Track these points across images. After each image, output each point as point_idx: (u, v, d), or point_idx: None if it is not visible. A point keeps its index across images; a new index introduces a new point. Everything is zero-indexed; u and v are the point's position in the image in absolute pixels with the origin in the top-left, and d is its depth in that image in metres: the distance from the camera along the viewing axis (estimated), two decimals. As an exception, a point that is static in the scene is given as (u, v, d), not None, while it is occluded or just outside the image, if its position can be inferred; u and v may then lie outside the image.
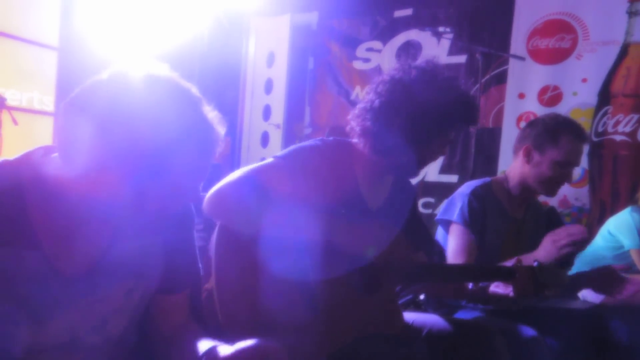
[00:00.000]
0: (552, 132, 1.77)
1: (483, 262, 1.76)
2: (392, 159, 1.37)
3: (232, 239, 1.21)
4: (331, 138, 1.41)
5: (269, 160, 1.31)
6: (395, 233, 1.39)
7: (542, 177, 1.78)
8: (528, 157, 1.80)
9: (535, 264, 1.47)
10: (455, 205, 1.78)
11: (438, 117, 1.31)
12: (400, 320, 1.39)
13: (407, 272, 1.36)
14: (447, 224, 1.81)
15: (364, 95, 1.41)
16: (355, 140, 1.41)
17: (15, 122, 3.21)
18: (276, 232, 1.20)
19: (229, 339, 1.11)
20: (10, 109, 3.24)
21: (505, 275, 1.43)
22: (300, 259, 1.23)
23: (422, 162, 1.41)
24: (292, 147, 1.34)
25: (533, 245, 1.93)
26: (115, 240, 0.95)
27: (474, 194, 1.76)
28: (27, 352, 0.88)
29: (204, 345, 0.95)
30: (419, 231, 1.58)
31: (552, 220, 2.95)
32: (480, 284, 1.51)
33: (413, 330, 1.43)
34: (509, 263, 1.48)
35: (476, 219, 1.73)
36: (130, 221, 0.95)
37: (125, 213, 0.91)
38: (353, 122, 1.39)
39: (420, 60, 1.37)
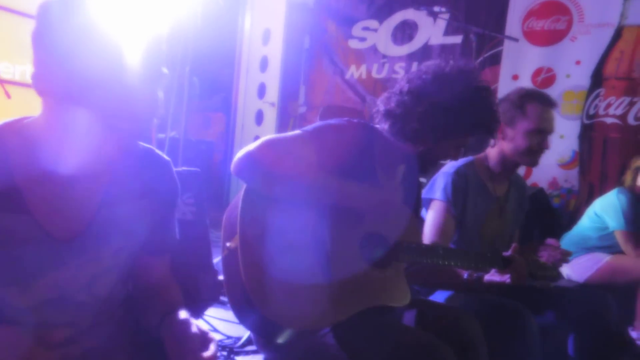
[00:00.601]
0: (518, 105, 1.81)
1: (464, 241, 1.80)
2: (409, 147, 1.42)
3: (258, 201, 1.26)
4: (355, 120, 1.45)
5: (297, 132, 1.36)
6: (409, 212, 1.46)
7: (519, 149, 1.81)
8: (502, 134, 1.84)
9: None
10: (438, 184, 1.80)
11: (457, 118, 1.36)
12: (407, 295, 1.42)
13: (415, 253, 1.41)
14: (429, 203, 1.85)
15: (399, 83, 1.45)
16: (377, 123, 1.46)
17: (8, 95, 3.19)
18: (299, 199, 1.26)
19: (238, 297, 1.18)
20: (3, 82, 3.22)
21: (501, 262, 1.49)
22: (320, 225, 1.29)
23: (435, 157, 1.45)
24: (318, 124, 1.40)
25: (514, 224, 1.98)
26: (104, 202, 0.97)
27: (458, 173, 1.79)
28: (16, 309, 0.91)
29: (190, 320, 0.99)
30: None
31: (540, 201, 3.00)
32: (476, 275, 1.54)
33: (419, 302, 1.48)
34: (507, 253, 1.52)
35: (458, 197, 1.76)
36: (120, 182, 0.98)
37: (113, 173, 0.96)
38: (380, 105, 1.44)
39: (464, 61, 1.41)
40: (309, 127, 1.38)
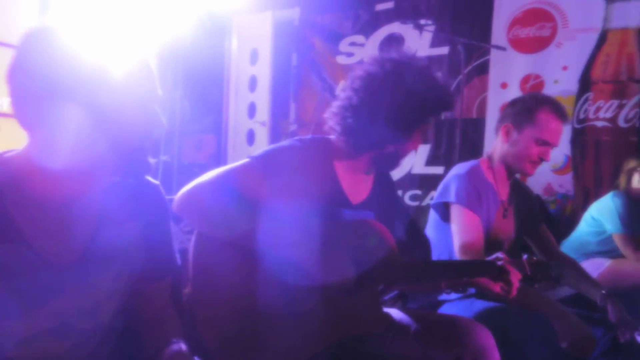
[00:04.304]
0: (530, 110, 1.78)
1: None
2: (374, 154, 1.37)
3: (209, 242, 1.20)
4: (309, 136, 1.39)
5: (244, 160, 1.29)
6: (383, 229, 1.38)
7: (519, 155, 1.79)
8: (507, 135, 1.81)
9: (524, 257, 1.47)
10: (451, 187, 1.77)
11: (417, 108, 1.31)
12: (384, 319, 1.37)
13: (390, 272, 1.35)
14: (443, 208, 1.80)
15: (339, 91, 1.39)
16: (334, 137, 1.40)
17: (-4, 127, 3.16)
18: (255, 234, 1.19)
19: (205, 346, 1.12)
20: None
21: (494, 273, 1.41)
22: (281, 259, 1.22)
23: (404, 153, 1.41)
24: (268, 148, 1.33)
25: (521, 227, 1.94)
26: (100, 226, 0.97)
27: (470, 175, 1.76)
28: (17, 341, 0.89)
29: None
30: (403, 223, 1.58)
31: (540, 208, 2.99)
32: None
33: (399, 328, 1.41)
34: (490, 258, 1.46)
35: (474, 198, 1.73)
36: (111, 206, 0.98)
37: (104, 197, 0.96)
38: (331, 120, 1.38)
39: (393, 52, 1.36)
40: (258, 153, 1.30)
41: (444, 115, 3.96)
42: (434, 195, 1.86)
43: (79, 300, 0.94)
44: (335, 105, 1.38)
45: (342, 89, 1.38)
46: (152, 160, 0.96)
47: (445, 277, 1.47)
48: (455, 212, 1.74)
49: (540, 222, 2.01)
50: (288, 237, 1.21)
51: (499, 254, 1.46)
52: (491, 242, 1.80)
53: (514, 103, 1.85)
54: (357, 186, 1.42)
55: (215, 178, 1.23)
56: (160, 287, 1.10)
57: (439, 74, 1.37)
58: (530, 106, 1.78)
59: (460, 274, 1.45)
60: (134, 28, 0.97)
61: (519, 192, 1.98)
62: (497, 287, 1.42)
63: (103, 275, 0.97)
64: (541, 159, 1.79)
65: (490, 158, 1.88)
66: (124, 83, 0.89)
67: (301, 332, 1.20)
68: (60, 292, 0.92)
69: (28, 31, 0.87)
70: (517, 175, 1.95)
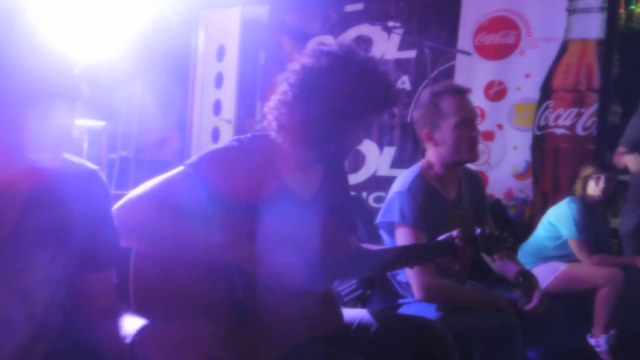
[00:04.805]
0: (433, 106, 1.78)
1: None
2: (314, 150, 1.31)
3: (145, 257, 1.15)
4: (248, 135, 1.33)
5: (179, 169, 1.23)
6: (330, 223, 1.35)
7: (453, 149, 1.76)
8: (431, 139, 1.79)
9: (478, 231, 1.49)
10: (394, 206, 1.74)
11: (355, 103, 1.24)
12: (339, 320, 1.33)
13: (352, 265, 1.34)
14: (389, 226, 1.78)
15: (277, 85, 1.33)
16: (273, 134, 1.33)
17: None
18: (194, 242, 1.15)
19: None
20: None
21: (448, 251, 1.44)
22: (225, 265, 1.18)
23: (346, 150, 1.36)
24: (203, 152, 1.26)
25: (475, 213, 1.92)
26: (28, 207, 0.92)
27: (411, 191, 1.73)
28: None
29: (131, 322, 0.95)
30: (360, 218, 1.54)
31: (497, 212, 3.05)
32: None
33: (359, 327, 1.38)
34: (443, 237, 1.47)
35: (419, 215, 1.71)
36: (42, 186, 0.93)
37: (33, 177, 0.91)
38: (269, 115, 1.31)
39: (335, 45, 1.29)
40: (193, 159, 1.24)
41: (400, 118, 3.99)
42: (380, 212, 1.83)
43: (8, 286, 0.89)
44: (272, 100, 1.32)
45: (279, 82, 1.32)
46: (112, 156, 0.92)
47: (407, 263, 1.49)
48: (401, 233, 1.72)
49: (485, 211, 2.01)
50: (234, 240, 1.17)
51: (453, 233, 1.47)
52: None
53: (417, 110, 1.86)
54: (303, 182, 1.36)
55: (146, 192, 1.17)
56: (102, 278, 1.04)
57: (386, 70, 1.29)
58: (430, 103, 1.79)
59: (422, 258, 1.46)
60: (101, 20, 0.94)
61: (469, 182, 1.95)
62: (455, 266, 1.45)
63: (34, 260, 0.91)
64: (473, 137, 1.76)
65: (429, 164, 1.85)
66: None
67: (258, 337, 1.17)
68: None
69: None
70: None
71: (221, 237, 1.17)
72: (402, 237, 1.71)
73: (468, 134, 1.75)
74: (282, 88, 1.30)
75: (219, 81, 4.74)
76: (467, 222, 1.87)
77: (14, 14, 0.83)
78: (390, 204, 1.77)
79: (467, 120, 1.75)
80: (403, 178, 1.82)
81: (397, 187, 1.79)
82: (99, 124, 3.28)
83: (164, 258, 1.16)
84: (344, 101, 1.23)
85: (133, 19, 4.01)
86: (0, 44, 0.81)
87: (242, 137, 1.32)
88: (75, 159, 1.01)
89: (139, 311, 1.07)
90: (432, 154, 1.84)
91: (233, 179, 1.21)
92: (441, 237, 1.48)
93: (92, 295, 1.04)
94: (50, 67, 0.85)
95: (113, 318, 1.01)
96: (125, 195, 1.18)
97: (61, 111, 0.88)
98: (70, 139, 0.92)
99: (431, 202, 1.77)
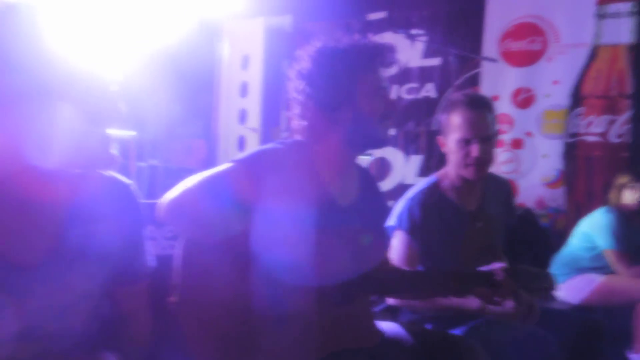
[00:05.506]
0: (446, 115, 1.72)
1: (442, 266, 1.70)
2: (339, 135, 1.32)
3: (198, 247, 1.18)
4: (289, 139, 1.36)
5: (228, 164, 1.25)
6: (369, 234, 1.34)
7: (455, 162, 1.71)
8: (443, 147, 1.75)
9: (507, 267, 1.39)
10: (396, 211, 1.71)
11: (348, 61, 1.29)
12: (376, 332, 1.34)
13: (382, 282, 1.32)
14: (391, 231, 1.73)
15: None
16: (305, 138, 1.35)
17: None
18: (249, 236, 1.17)
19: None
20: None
21: (487, 282, 1.36)
22: (276, 259, 1.19)
23: (363, 120, 1.32)
24: (252, 151, 1.29)
25: (500, 229, 1.85)
26: (71, 225, 0.93)
27: (414, 200, 1.69)
28: None
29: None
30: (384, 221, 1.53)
31: (528, 221, 3.00)
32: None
33: (393, 342, 1.36)
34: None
35: (415, 225, 1.66)
36: (79, 204, 0.95)
37: (70, 195, 0.93)
38: (295, 120, 1.35)
39: (317, 44, 1.35)
40: (242, 156, 1.27)
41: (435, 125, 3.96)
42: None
43: (48, 302, 0.91)
44: (292, 104, 1.36)
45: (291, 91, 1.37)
46: (141, 164, 0.94)
47: (441, 289, 1.44)
48: (396, 237, 1.68)
49: (513, 221, 1.93)
50: (282, 237, 1.19)
51: (496, 264, 1.40)
52: (466, 258, 1.72)
53: (439, 113, 1.81)
54: (343, 187, 1.37)
55: (203, 182, 1.19)
56: (134, 290, 1.08)
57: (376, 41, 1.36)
58: (445, 110, 1.73)
59: (461, 287, 1.40)
60: (127, 32, 0.95)
61: (496, 191, 1.87)
62: (494, 298, 1.37)
63: (74, 276, 0.93)
64: (472, 157, 1.67)
65: (447, 173, 1.78)
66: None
67: (295, 339, 1.18)
68: (28, 294, 0.88)
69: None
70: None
71: (274, 235, 1.19)
72: (396, 241, 1.68)
73: (467, 153, 1.68)
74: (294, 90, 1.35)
75: (243, 90, 4.78)
76: (488, 237, 1.81)
77: (22, 17, 0.85)
78: (396, 210, 1.74)
79: (469, 139, 1.67)
80: (417, 186, 1.79)
81: (408, 194, 1.76)
82: (129, 133, 3.32)
83: (213, 245, 1.18)
84: (336, 62, 1.29)
85: (159, 31, 4.07)
86: (7, 43, 0.82)
87: (285, 140, 1.35)
88: (110, 173, 1.02)
89: (188, 304, 1.11)
90: (449, 162, 1.78)
91: (280, 178, 1.24)
92: (485, 268, 1.41)
93: (128, 308, 1.07)
94: (50, 67, 0.85)
95: (144, 329, 1.05)
96: (163, 196, 1.19)
97: (71, 115, 0.88)
98: (107, 155, 0.93)
99: (442, 213, 1.71)
